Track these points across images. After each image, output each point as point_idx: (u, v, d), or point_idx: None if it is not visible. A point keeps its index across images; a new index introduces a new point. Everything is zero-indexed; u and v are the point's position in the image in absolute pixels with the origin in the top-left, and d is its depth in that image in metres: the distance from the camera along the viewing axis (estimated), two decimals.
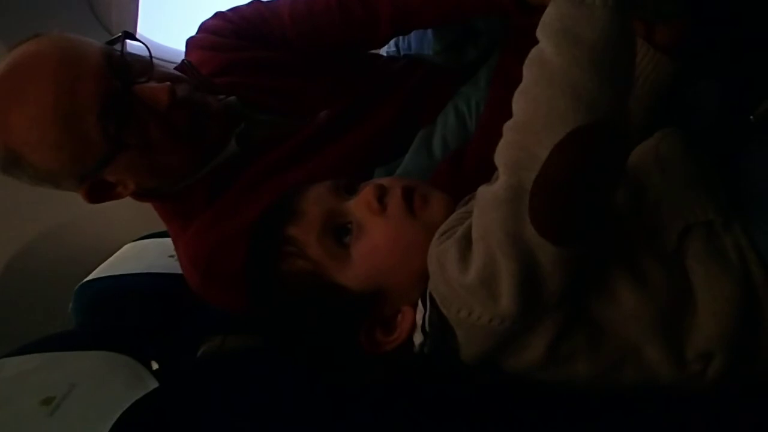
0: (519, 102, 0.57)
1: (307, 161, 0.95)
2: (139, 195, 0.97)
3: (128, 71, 0.86)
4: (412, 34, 1.16)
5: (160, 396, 0.76)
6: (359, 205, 0.70)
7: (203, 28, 1.11)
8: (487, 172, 0.85)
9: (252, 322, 0.84)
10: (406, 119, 1.00)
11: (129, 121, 0.84)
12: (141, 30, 1.52)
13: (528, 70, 0.57)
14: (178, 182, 0.96)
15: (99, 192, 0.92)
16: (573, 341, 0.62)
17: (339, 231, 0.69)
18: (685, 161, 0.69)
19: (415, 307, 0.67)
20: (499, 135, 0.91)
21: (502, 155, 0.58)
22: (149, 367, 0.89)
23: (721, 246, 0.63)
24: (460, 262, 0.59)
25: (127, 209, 1.49)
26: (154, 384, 0.79)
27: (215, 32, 1.10)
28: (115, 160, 0.86)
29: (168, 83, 0.86)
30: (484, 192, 0.59)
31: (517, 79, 0.94)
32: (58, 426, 0.70)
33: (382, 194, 0.69)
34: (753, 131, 0.77)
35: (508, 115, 0.92)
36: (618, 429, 0.63)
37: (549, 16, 0.56)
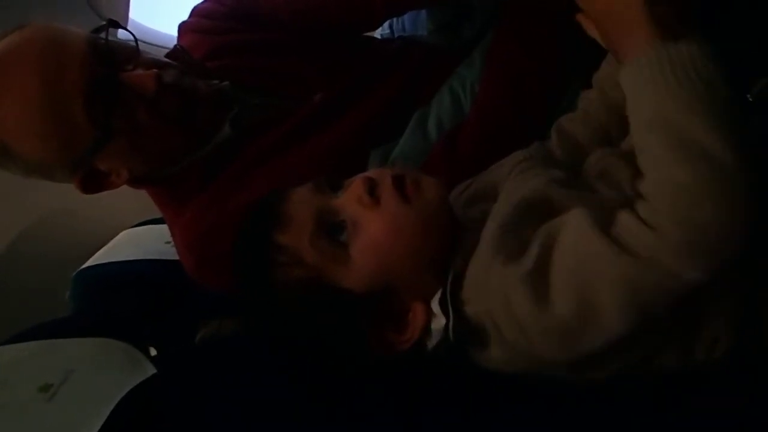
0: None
1: (302, 144, 0.95)
2: (134, 182, 0.96)
3: (113, 58, 0.85)
4: (406, 15, 1.15)
5: (158, 382, 0.76)
6: (350, 201, 0.66)
7: (195, 12, 1.11)
8: (482, 154, 0.85)
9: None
10: (402, 101, 0.99)
11: (116, 107, 0.84)
12: (133, 15, 1.51)
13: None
14: (171, 167, 0.95)
15: (92, 182, 0.92)
16: None
17: (333, 230, 0.65)
18: None
19: (425, 302, 0.65)
20: (494, 115, 0.91)
21: None
22: (147, 353, 0.89)
23: None
24: (535, 301, 0.57)
25: (123, 196, 1.49)
26: (152, 370, 0.79)
27: (207, 15, 1.09)
28: (105, 148, 0.85)
29: (155, 70, 0.85)
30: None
31: (511, 59, 0.94)
32: (55, 412, 0.69)
33: (372, 186, 0.66)
34: (750, 110, 0.77)
35: (502, 94, 0.92)
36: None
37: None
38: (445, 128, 0.95)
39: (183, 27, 1.10)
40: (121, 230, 1.42)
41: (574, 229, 0.57)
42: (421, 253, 0.65)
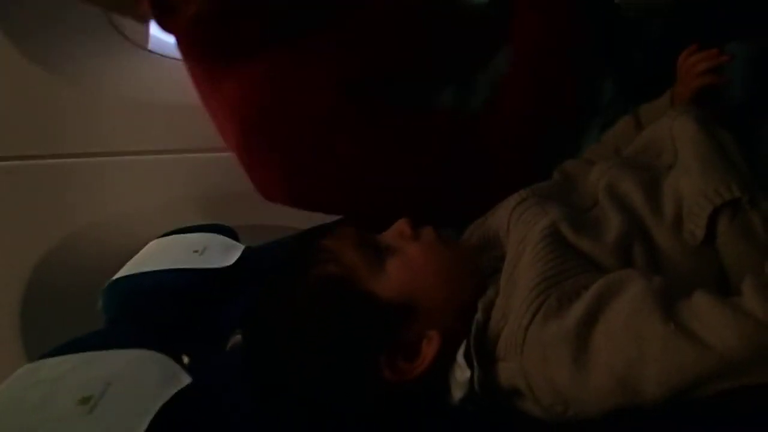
0: None
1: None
2: (197, 21, 0.93)
3: None
4: None
5: (193, 392, 0.78)
6: (392, 235, 0.73)
7: None
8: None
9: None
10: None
11: None
12: (153, 31, 1.53)
13: None
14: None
15: (163, 6, 0.91)
16: None
17: (374, 248, 0.70)
18: (702, 140, 0.69)
19: (442, 335, 0.66)
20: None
21: None
22: (180, 362, 0.91)
23: (748, 222, 0.63)
24: (574, 364, 0.58)
25: (149, 208, 1.52)
26: (187, 379, 0.80)
27: None
28: None
29: None
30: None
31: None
32: (96, 424, 0.71)
33: (413, 225, 0.73)
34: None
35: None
36: None
37: None
38: None
39: None
40: (149, 241, 1.44)
41: (629, 301, 0.57)
42: (449, 289, 0.68)
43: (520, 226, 0.72)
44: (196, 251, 1.31)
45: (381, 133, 0.90)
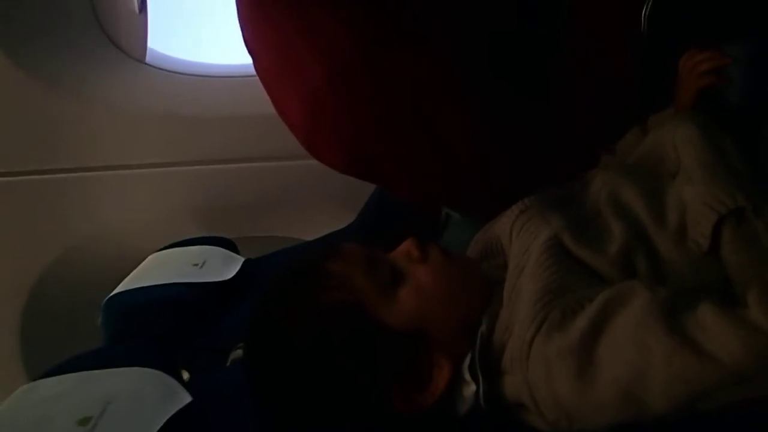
0: None
1: None
2: None
3: None
4: None
5: (194, 410, 0.77)
6: (399, 256, 0.70)
7: None
8: None
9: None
10: None
11: None
12: (151, 43, 1.53)
13: None
14: None
15: None
16: None
17: (384, 271, 0.67)
18: (705, 147, 0.68)
19: (452, 359, 0.64)
20: None
21: None
22: (180, 377, 0.91)
23: (752, 232, 0.62)
24: (578, 378, 0.56)
25: (149, 221, 1.52)
26: (187, 398, 0.79)
27: None
28: None
29: None
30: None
31: None
32: None
33: (421, 246, 0.70)
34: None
35: None
36: None
37: None
38: None
39: None
40: (148, 254, 1.44)
41: (634, 313, 0.56)
42: (460, 310, 0.66)
43: (522, 236, 0.71)
44: (195, 264, 1.31)
45: (479, 108, 0.88)
